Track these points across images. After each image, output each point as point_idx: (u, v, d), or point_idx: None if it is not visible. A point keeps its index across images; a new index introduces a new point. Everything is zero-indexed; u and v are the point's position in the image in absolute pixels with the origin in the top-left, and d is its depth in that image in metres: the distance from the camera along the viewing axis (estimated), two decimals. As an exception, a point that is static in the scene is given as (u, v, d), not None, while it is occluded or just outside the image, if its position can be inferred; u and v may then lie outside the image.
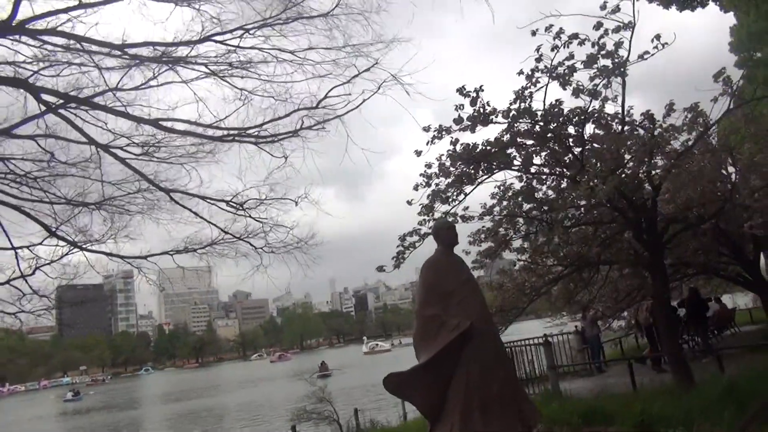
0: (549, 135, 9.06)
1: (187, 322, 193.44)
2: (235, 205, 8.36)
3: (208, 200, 8.19)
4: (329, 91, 8.50)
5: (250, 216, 8.46)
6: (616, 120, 9.18)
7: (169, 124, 7.91)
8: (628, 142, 8.68)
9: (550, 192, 10.48)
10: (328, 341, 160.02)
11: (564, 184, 9.85)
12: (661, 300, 9.62)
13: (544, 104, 9.00)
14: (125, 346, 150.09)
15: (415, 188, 9.62)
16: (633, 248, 10.90)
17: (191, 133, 7.75)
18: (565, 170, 9.54)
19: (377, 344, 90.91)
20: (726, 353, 11.51)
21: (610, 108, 8.94)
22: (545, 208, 10.87)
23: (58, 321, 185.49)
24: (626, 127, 9.00)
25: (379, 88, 8.45)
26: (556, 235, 11.09)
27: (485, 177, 9.73)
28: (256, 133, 8.00)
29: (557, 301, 12.17)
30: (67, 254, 8.48)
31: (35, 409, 55.00)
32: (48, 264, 8.51)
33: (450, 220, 10.45)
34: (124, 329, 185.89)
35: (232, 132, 7.88)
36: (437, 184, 9.64)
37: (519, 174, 10.53)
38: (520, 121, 9.06)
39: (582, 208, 10.78)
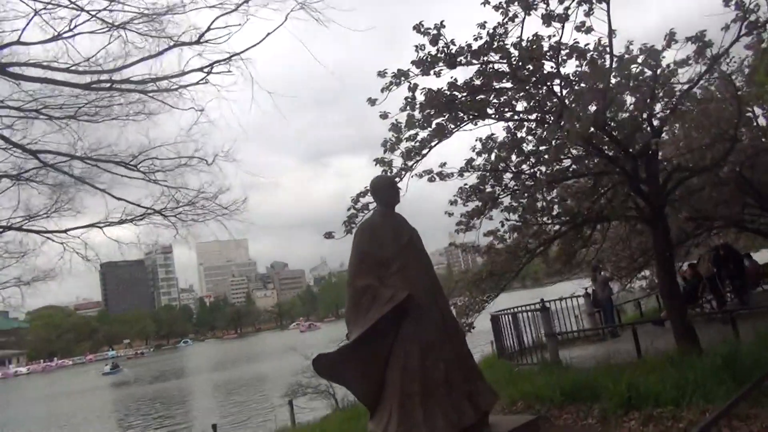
0: (526, 75, 7.93)
1: (226, 294, 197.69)
2: (130, 167, 7.53)
3: (88, 161, 7.35)
4: (212, 21, 7.44)
5: (153, 181, 7.61)
6: (606, 55, 7.98)
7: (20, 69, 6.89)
8: (613, 78, 7.50)
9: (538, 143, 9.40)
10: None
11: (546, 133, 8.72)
12: (662, 258, 8.51)
13: (521, 41, 7.88)
14: (168, 320, 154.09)
15: (390, 149, 8.60)
16: (635, 202, 9.75)
17: (49, 80, 6.83)
18: (547, 116, 8.41)
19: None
20: (744, 314, 10.36)
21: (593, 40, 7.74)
22: (532, 160, 9.80)
23: (104, 297, 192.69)
24: (614, 62, 7.79)
25: (285, 20, 7.37)
26: (544, 191, 10.03)
27: (458, 127, 8.69)
28: (142, 79, 7.05)
29: (555, 263, 11.14)
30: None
31: (75, 383, 56.77)
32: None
33: (427, 177, 9.52)
34: (167, 303, 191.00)
35: (103, 78, 6.92)
36: (408, 138, 8.65)
37: (504, 125, 9.48)
38: (494, 61, 7.96)
39: (573, 160, 9.66)
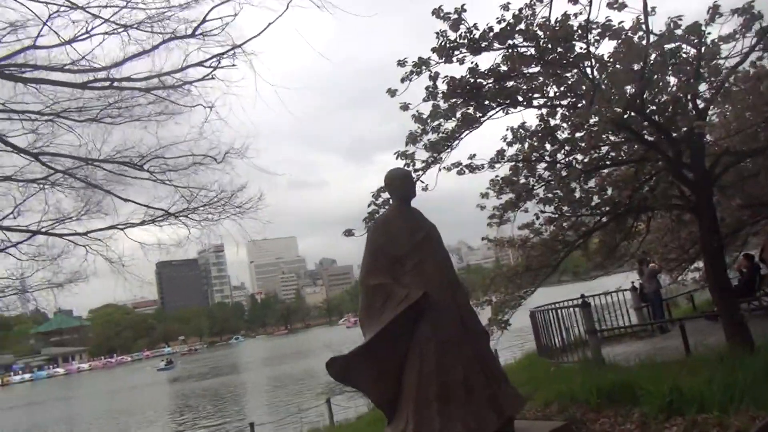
0: (556, 58, 7.47)
1: (277, 291, 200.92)
2: (137, 167, 7.41)
3: (93, 163, 7.25)
4: (207, 13, 7.21)
5: (161, 181, 7.47)
6: (640, 32, 7.44)
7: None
8: (652, 54, 6.95)
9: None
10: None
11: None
12: (710, 248, 7.90)
13: (548, 22, 7.43)
14: (220, 317, 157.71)
15: (412, 141, 8.24)
16: (680, 189, 9.12)
17: (47, 80, 6.74)
18: (580, 101, 7.92)
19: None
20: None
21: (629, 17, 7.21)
22: (567, 149, 9.30)
23: (160, 295, 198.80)
24: (652, 38, 7.24)
25: (287, 8, 7.11)
26: (581, 180, 9.52)
27: (487, 116, 8.29)
28: (145, 77, 6.90)
29: (596, 256, 10.58)
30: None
31: (132, 379, 58.70)
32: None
33: (456, 170, 9.15)
34: (220, 300, 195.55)
35: (100, 77, 6.78)
36: (434, 130, 8.31)
37: (537, 112, 9.02)
38: (520, 45, 7.53)
39: (612, 147, 9.11)
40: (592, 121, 7.31)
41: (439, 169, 8.96)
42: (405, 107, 7.40)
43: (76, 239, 7.56)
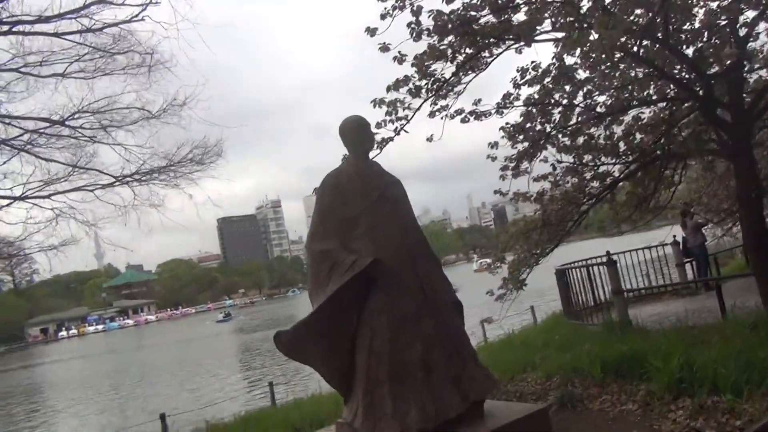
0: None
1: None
2: (57, 123, 6.91)
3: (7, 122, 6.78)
4: None
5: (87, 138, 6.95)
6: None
7: None
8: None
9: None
10: (466, 256, 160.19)
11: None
12: (747, 200, 6.84)
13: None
14: (279, 270, 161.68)
15: (395, 87, 7.34)
16: (717, 133, 7.97)
17: None
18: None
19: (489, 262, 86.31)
20: None
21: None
22: (587, 88, 8.27)
23: (222, 250, 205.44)
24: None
25: None
26: (605, 125, 8.49)
27: (492, 54, 7.35)
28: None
29: (622, 209, 9.55)
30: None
31: (192, 331, 61.12)
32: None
33: (461, 117, 8.30)
34: (279, 254, 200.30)
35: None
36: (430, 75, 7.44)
37: (553, 50, 8.01)
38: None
39: (637, 86, 8.00)
40: (590, 51, 6.26)
41: (441, 118, 8.16)
42: (384, 48, 6.56)
43: (40, 202, 7.30)
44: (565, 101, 8.39)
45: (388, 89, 6.74)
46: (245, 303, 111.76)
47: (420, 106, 6.91)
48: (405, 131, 6.87)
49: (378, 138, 6.59)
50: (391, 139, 6.82)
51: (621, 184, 9.23)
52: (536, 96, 8.33)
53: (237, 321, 65.62)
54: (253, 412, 9.28)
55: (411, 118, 6.90)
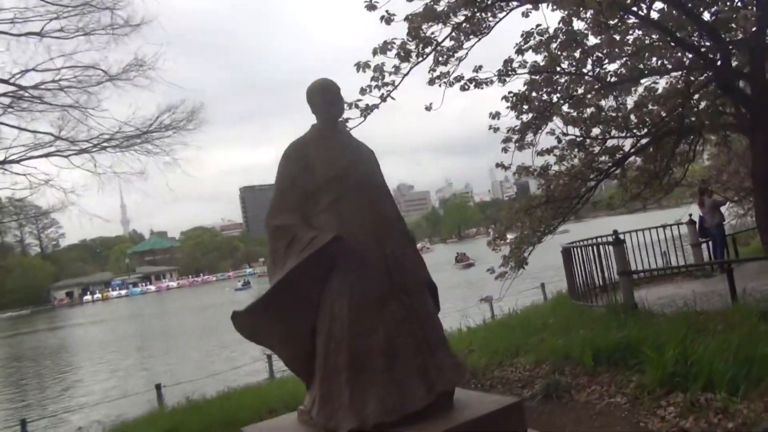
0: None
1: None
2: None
3: None
4: None
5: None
6: None
7: None
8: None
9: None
10: (486, 230, 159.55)
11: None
12: (762, 178, 6.30)
13: None
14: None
15: (382, 51, 6.85)
16: (736, 107, 7.39)
17: None
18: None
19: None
20: None
21: None
22: (597, 55, 7.71)
23: (244, 219, 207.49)
24: None
25: None
26: (616, 96, 7.95)
27: (502, 17, 6.84)
28: None
29: (632, 186, 9.02)
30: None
31: (210, 298, 61.88)
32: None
33: (459, 86, 7.83)
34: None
35: None
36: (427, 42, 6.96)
37: (561, 14, 7.46)
38: None
39: (651, 53, 7.41)
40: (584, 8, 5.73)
41: (440, 85, 7.72)
42: (371, 6, 6.07)
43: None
44: (572, 69, 7.85)
45: (375, 52, 6.28)
46: (264, 272, 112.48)
47: (408, 70, 6.45)
48: (392, 98, 6.43)
49: (362, 105, 6.18)
50: (376, 106, 6.40)
51: (631, 159, 8.72)
52: (542, 63, 7.81)
53: (255, 289, 66.19)
54: (241, 387, 9.08)
55: (399, 83, 6.45)
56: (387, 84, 6.42)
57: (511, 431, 4.05)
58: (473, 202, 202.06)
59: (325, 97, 4.38)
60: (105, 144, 7.53)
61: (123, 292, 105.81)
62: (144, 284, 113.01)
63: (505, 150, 8.47)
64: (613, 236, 9.62)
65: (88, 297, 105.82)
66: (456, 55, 7.53)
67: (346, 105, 6.34)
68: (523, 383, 5.79)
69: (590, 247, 10.02)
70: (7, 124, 7.26)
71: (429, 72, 7.66)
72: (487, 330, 8.82)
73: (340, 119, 4.66)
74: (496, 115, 8.08)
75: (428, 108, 8.12)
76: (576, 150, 8.37)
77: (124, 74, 7.33)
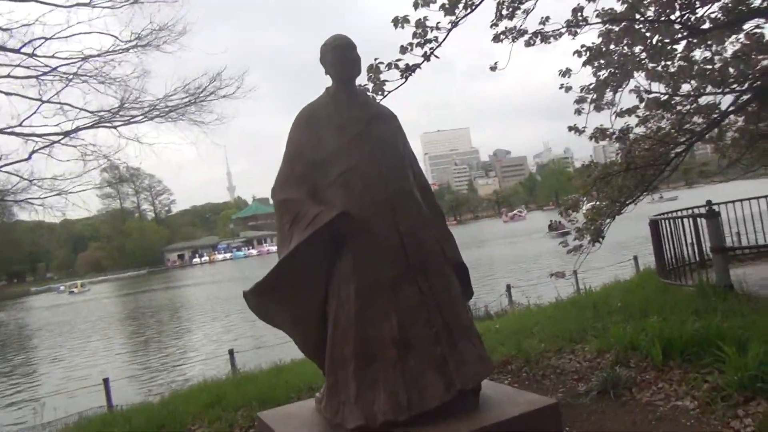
0: None
1: (449, 183, 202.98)
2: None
3: None
4: None
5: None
6: None
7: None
8: None
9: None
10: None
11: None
12: None
13: None
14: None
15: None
16: None
17: None
18: None
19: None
20: None
21: None
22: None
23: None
24: None
25: None
26: (709, 45, 6.87)
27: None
28: None
29: (731, 150, 7.82)
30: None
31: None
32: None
33: (524, 40, 7.06)
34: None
35: None
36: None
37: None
38: None
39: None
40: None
41: (510, 41, 7.02)
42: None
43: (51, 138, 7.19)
44: (657, 16, 6.84)
45: (416, 6, 5.65)
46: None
47: (452, 26, 5.78)
48: (435, 56, 5.80)
49: (401, 65, 5.62)
50: (418, 66, 5.80)
51: (730, 119, 7.58)
52: (619, 11, 6.85)
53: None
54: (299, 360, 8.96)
55: (443, 41, 5.80)
56: (430, 41, 5.80)
57: (542, 438, 3.51)
58: (573, 167, 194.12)
59: (338, 55, 3.91)
60: (164, 110, 7.53)
61: (228, 255, 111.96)
62: (247, 248, 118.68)
63: (578, 112, 7.60)
64: (707, 207, 8.50)
65: (196, 259, 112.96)
66: (522, 6, 6.76)
67: (384, 66, 5.86)
68: (580, 375, 5.14)
69: (681, 220, 8.94)
70: (69, 104, 7.41)
71: (491, 27, 6.96)
72: (557, 309, 8.11)
73: (361, 84, 4.16)
74: (566, 72, 7.23)
75: (493, 68, 7.43)
76: (661, 110, 7.35)
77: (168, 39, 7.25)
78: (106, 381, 10.70)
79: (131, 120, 7.62)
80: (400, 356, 3.54)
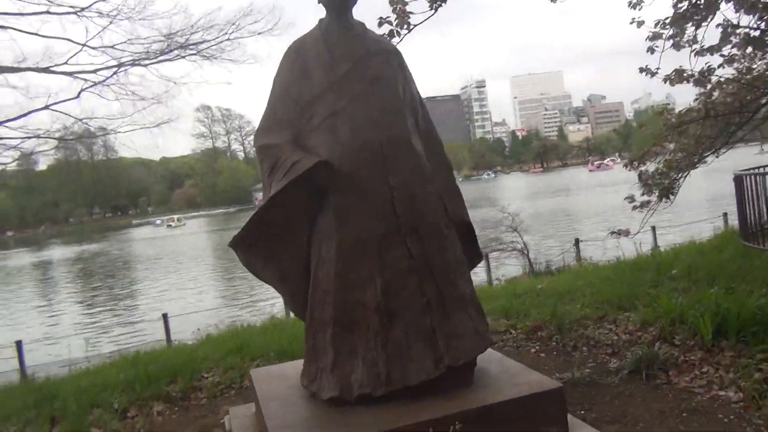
0: None
1: (538, 128, 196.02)
2: None
3: None
4: None
5: None
6: None
7: None
8: None
9: None
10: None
11: None
12: None
13: None
14: (480, 152, 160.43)
15: None
16: None
17: None
18: None
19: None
20: None
21: None
22: None
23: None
24: None
25: None
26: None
27: None
28: None
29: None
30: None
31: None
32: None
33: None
34: (481, 136, 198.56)
35: None
36: None
37: None
38: None
39: None
40: None
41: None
42: None
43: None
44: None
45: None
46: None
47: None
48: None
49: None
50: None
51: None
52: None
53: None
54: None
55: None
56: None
57: (538, 425, 3.07)
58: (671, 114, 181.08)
59: (329, -20, 3.41)
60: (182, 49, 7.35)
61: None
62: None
63: (651, 50, 6.65)
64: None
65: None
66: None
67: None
68: (615, 349, 4.59)
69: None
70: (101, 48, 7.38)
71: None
72: (614, 270, 7.41)
73: (383, 17, 3.63)
74: (636, 4, 6.30)
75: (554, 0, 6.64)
76: (752, 48, 6.28)
77: None
78: (165, 316, 11.14)
79: (167, 58, 7.49)
80: (382, 325, 3.16)
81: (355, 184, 3.21)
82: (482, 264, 12.61)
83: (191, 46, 7.55)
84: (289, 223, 3.34)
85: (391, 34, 5.06)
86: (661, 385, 3.88)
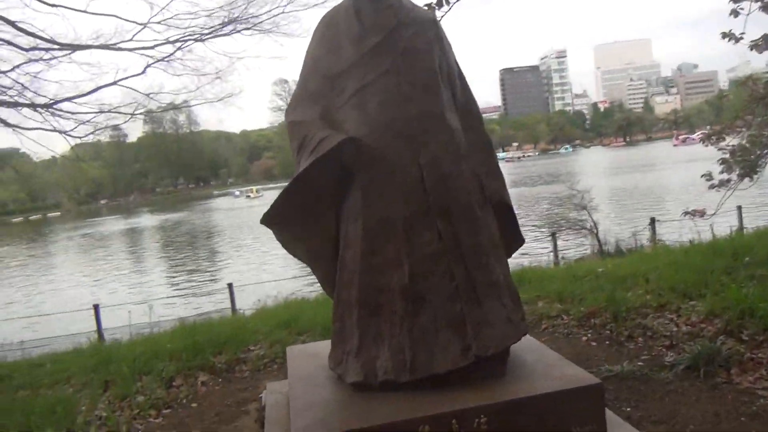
0: None
1: (622, 100, 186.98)
2: None
3: None
4: None
5: None
6: None
7: None
8: None
9: None
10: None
11: None
12: None
13: None
14: (559, 124, 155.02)
15: None
16: None
17: None
18: None
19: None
20: None
21: None
22: None
23: (503, 101, 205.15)
24: None
25: None
26: None
27: None
28: None
29: None
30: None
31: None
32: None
33: None
34: (561, 108, 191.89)
35: None
36: None
37: None
38: None
39: None
40: None
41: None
42: None
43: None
44: None
45: None
46: (511, 157, 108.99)
47: None
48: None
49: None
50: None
51: None
52: None
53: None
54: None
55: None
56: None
57: (571, 423, 2.86)
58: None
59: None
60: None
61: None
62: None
63: (735, 13, 6.04)
64: None
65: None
66: None
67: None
68: (674, 342, 4.25)
69: None
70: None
71: None
72: (686, 254, 6.91)
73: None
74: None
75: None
76: None
77: None
78: (230, 286, 11.48)
79: (224, 32, 7.53)
80: (408, 310, 3.04)
81: (382, 161, 3.07)
82: (549, 243, 12.21)
83: (248, 19, 7.53)
84: (319, 202, 3.25)
85: (439, 3, 4.80)
86: (720, 384, 3.55)
